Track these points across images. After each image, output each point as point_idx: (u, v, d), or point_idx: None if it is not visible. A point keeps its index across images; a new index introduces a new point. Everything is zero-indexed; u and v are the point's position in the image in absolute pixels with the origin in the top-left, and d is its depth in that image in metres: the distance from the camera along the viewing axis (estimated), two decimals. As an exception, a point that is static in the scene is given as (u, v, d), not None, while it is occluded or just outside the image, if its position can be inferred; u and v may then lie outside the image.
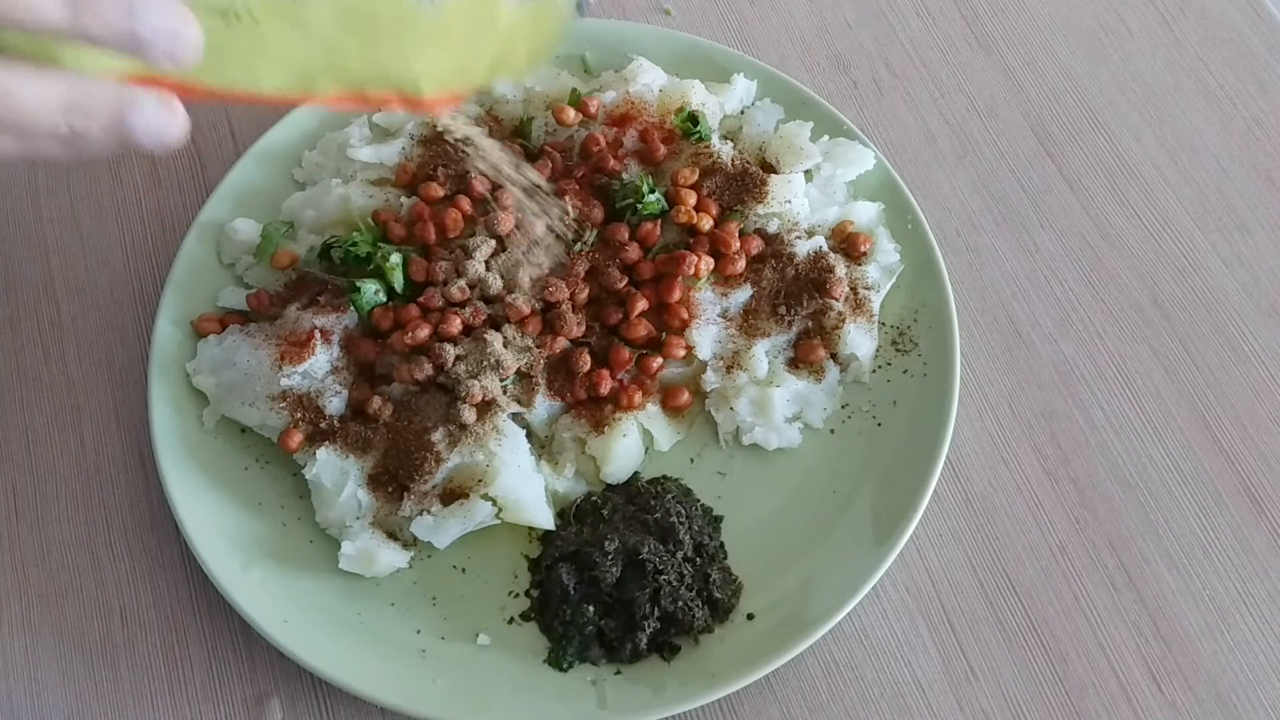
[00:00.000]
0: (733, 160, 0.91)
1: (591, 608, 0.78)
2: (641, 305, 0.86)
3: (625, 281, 0.86)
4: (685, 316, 0.86)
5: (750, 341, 0.86)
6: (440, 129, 0.92)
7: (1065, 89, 1.02)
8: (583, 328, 0.86)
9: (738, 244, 0.88)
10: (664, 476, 0.84)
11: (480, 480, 0.80)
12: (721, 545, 0.82)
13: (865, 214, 0.92)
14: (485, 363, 0.83)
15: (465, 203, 0.88)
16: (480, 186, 0.89)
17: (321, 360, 0.84)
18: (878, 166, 0.93)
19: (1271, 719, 0.77)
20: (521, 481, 0.81)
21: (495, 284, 0.85)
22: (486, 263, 0.86)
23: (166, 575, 0.84)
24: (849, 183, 0.93)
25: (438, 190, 0.90)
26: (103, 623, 0.83)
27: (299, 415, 0.83)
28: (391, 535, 0.81)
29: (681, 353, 0.86)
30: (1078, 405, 0.88)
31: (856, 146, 0.93)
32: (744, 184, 0.90)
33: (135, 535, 0.85)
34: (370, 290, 0.85)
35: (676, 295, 0.86)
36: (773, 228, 0.90)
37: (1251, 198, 0.96)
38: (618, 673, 0.77)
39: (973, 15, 1.06)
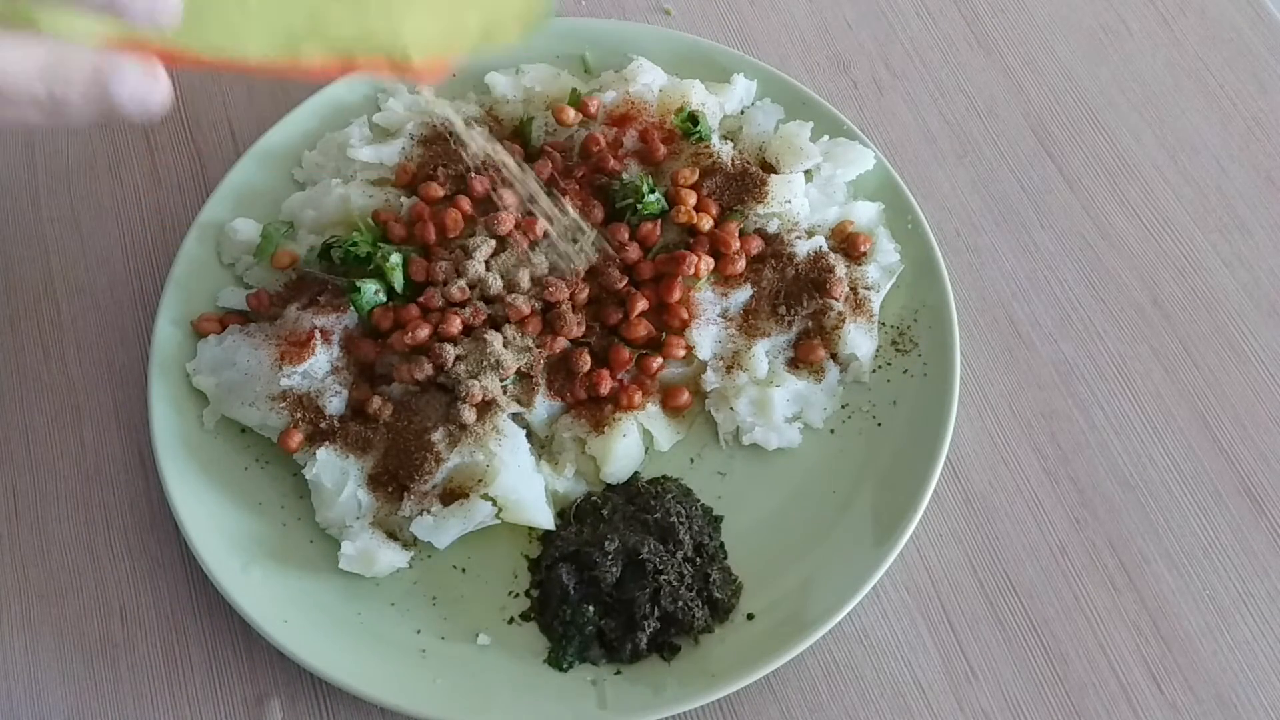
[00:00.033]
0: (733, 160, 0.91)
1: (591, 608, 0.78)
2: (641, 305, 0.86)
3: (625, 281, 0.86)
4: (685, 316, 0.86)
5: (750, 341, 0.86)
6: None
7: (1065, 89, 1.02)
8: (583, 328, 0.86)
9: (738, 244, 0.88)
10: (664, 476, 0.84)
11: (480, 480, 0.80)
12: (721, 545, 0.82)
13: (865, 214, 0.92)
14: (485, 363, 0.83)
15: (465, 203, 0.88)
16: (480, 186, 0.89)
17: (321, 360, 0.84)
18: (878, 166, 0.93)
19: (1271, 719, 0.77)
20: (521, 481, 0.81)
21: (495, 284, 0.85)
22: (486, 263, 0.86)
23: (166, 575, 0.84)
24: (849, 183, 0.93)
25: (438, 190, 0.90)
26: (103, 623, 0.83)
27: (299, 415, 0.82)
28: (391, 535, 0.81)
29: (681, 353, 0.86)
30: (1078, 405, 0.88)
31: (856, 146, 0.93)
32: (744, 184, 0.90)
33: (135, 535, 0.85)
34: (370, 290, 0.85)
35: (676, 295, 0.86)
36: (773, 228, 0.90)
37: (1251, 198, 0.96)
38: (618, 673, 0.77)
39: (973, 15, 1.06)
